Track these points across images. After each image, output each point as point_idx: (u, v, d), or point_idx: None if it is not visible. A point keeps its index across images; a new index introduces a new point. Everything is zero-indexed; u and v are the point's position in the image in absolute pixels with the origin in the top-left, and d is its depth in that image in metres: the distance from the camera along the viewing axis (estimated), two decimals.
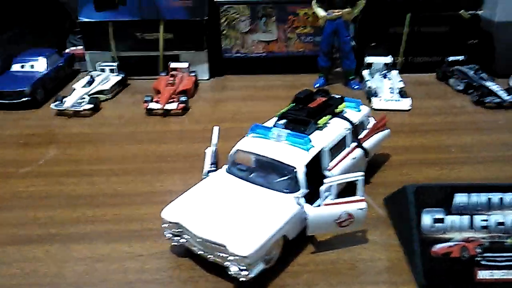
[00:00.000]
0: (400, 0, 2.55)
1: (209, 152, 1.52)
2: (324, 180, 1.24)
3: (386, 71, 2.46)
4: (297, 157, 1.31)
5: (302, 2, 2.57)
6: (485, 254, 1.17)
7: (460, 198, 1.22)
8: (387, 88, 2.33)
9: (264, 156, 1.35)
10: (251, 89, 2.58)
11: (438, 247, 1.18)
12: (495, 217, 1.20)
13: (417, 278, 1.17)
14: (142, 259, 1.28)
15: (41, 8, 3.20)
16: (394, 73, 2.47)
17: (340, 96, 1.59)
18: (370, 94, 2.31)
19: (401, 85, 2.36)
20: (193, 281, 1.21)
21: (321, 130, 1.43)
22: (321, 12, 2.38)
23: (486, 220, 1.20)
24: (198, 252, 1.21)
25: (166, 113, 2.22)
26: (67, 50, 2.90)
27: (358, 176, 1.26)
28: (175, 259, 1.28)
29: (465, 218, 1.20)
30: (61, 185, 1.65)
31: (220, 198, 1.28)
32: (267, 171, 1.35)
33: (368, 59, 2.54)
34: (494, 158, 1.78)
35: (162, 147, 1.92)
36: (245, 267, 1.11)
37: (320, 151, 1.36)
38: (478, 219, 1.20)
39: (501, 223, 1.20)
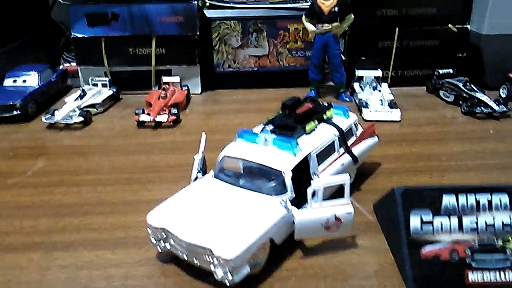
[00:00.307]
0: (389, 15, 2.59)
1: (197, 158, 1.51)
2: (311, 182, 1.23)
3: (376, 84, 2.48)
4: (284, 161, 1.30)
5: (292, 18, 2.61)
6: (475, 256, 1.15)
7: (448, 200, 1.20)
8: (377, 99, 2.34)
9: (251, 161, 1.34)
10: (242, 102, 2.59)
11: (427, 249, 1.16)
12: (484, 219, 1.19)
13: (407, 281, 1.15)
14: (127, 266, 1.25)
15: (37, 26, 3.26)
16: (384, 85, 2.50)
17: (328, 103, 1.60)
18: (361, 105, 2.32)
19: (391, 97, 2.37)
20: (178, 286, 1.18)
21: (309, 135, 1.43)
22: (310, 27, 2.42)
23: (475, 222, 1.19)
24: (184, 258, 1.19)
25: (157, 125, 2.22)
26: (61, 67, 2.93)
27: (345, 179, 1.25)
28: (161, 266, 1.26)
29: (454, 220, 1.19)
30: (48, 195, 1.63)
31: (206, 202, 1.26)
32: (254, 176, 1.34)
33: (359, 73, 2.56)
34: (484, 166, 1.78)
35: (152, 158, 1.91)
36: (230, 271, 1.09)
37: (307, 156, 1.36)
38: (467, 221, 1.19)
39: (491, 225, 1.18)
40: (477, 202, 1.20)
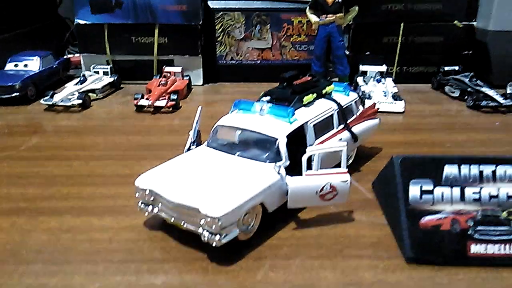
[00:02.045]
0: (394, 9, 2.57)
1: (191, 131, 1.47)
2: (307, 149, 1.19)
3: (379, 77, 2.44)
4: (279, 129, 1.25)
5: (296, 11, 2.60)
6: (478, 228, 1.09)
7: (450, 170, 1.15)
8: (380, 91, 2.30)
9: (245, 129, 1.29)
10: (244, 94, 2.55)
11: (427, 219, 1.10)
12: (487, 190, 1.13)
13: (404, 251, 1.08)
14: (112, 231, 1.20)
15: (43, 20, 3.28)
16: (388, 79, 2.45)
17: (328, 79, 1.56)
18: (364, 97, 2.27)
19: (395, 89, 2.33)
20: (164, 251, 1.12)
21: (307, 107, 1.39)
22: (314, 18, 2.40)
23: (478, 193, 1.13)
24: (172, 220, 1.13)
25: (156, 110, 2.19)
26: (64, 57, 2.93)
27: (341, 146, 1.20)
28: (148, 232, 1.21)
29: (456, 190, 1.13)
30: (39, 167, 1.59)
31: (196, 168, 1.22)
32: (249, 144, 1.29)
33: (363, 67, 2.53)
34: (489, 153, 1.72)
35: (148, 138, 1.87)
36: (217, 232, 1.03)
37: (304, 126, 1.31)
38: (470, 192, 1.13)
39: (494, 196, 1.12)
40: (481, 173, 1.14)
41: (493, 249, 1.07)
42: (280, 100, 1.39)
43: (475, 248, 1.07)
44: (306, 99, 1.39)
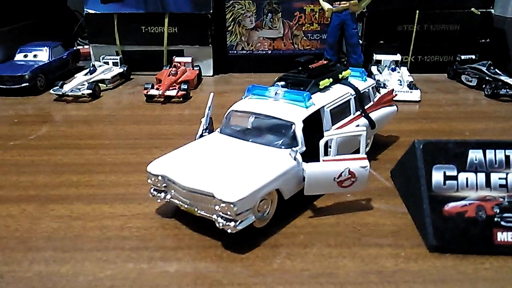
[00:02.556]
0: None
1: (204, 118, 1.44)
2: (324, 133, 1.14)
3: (394, 66, 2.39)
4: (294, 113, 1.21)
5: None
6: (505, 215, 1.04)
7: (474, 155, 1.09)
8: (395, 80, 2.24)
9: (260, 114, 1.25)
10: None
11: (450, 205, 1.05)
12: None
13: (427, 239, 1.04)
14: (124, 219, 1.17)
15: (52, 11, 3.26)
16: (404, 68, 2.39)
17: (344, 64, 1.51)
18: (379, 86, 2.22)
19: (410, 78, 2.27)
20: (177, 238, 1.09)
21: (323, 92, 1.34)
22: (326, 5, 2.34)
23: (505, 178, 1.07)
24: (185, 207, 1.10)
25: (166, 100, 2.16)
26: (74, 48, 2.91)
27: (361, 131, 1.15)
28: (160, 219, 1.17)
29: (481, 176, 1.08)
30: (48, 156, 1.56)
31: (210, 154, 1.18)
32: (264, 130, 1.25)
33: (377, 57, 2.47)
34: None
35: (158, 127, 1.84)
36: (232, 218, 1.00)
37: (320, 111, 1.26)
38: (496, 177, 1.07)
39: None
40: (507, 158, 1.09)
41: None
42: (296, 84, 1.35)
43: (502, 236, 1.02)
44: (323, 83, 1.34)
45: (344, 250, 1.04)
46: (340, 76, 1.43)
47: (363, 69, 1.52)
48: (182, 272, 0.97)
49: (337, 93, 1.35)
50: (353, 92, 1.39)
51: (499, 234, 1.03)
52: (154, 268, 0.99)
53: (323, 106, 1.27)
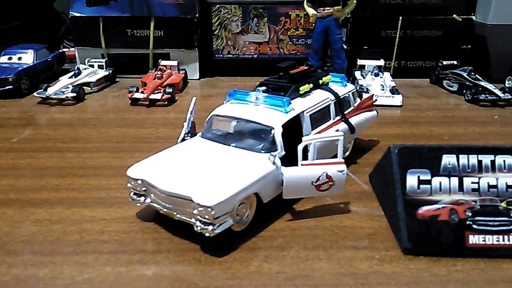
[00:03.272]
0: (392, 3, 2.55)
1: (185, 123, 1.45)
2: (302, 138, 1.16)
3: (377, 71, 2.42)
4: (274, 118, 1.23)
5: (293, 4, 2.57)
6: (476, 218, 1.07)
7: (448, 159, 1.12)
8: (378, 85, 2.28)
9: (240, 119, 1.27)
10: (241, 88, 2.52)
11: (424, 209, 1.08)
12: (486, 180, 1.10)
13: (401, 242, 1.06)
14: (103, 223, 1.18)
15: (39, 14, 3.24)
16: (386, 74, 2.43)
17: (325, 70, 1.53)
18: (362, 91, 2.25)
19: (393, 83, 2.31)
20: (156, 242, 1.10)
21: (303, 97, 1.36)
22: (311, 11, 2.37)
23: (477, 183, 1.10)
24: (164, 210, 1.11)
25: (151, 103, 2.16)
26: (60, 50, 2.90)
27: (338, 136, 1.18)
28: (140, 223, 1.18)
29: (454, 180, 1.10)
30: (30, 159, 1.56)
31: (190, 158, 1.19)
32: (244, 134, 1.27)
33: (361, 62, 2.50)
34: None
35: (142, 131, 1.85)
36: (210, 221, 1.01)
37: (300, 116, 1.29)
38: (468, 181, 1.10)
39: (493, 186, 1.10)
40: (480, 163, 1.12)
41: (492, 239, 1.05)
42: (277, 89, 1.37)
43: (474, 239, 1.05)
44: (303, 89, 1.36)
45: (320, 253, 1.06)
46: (320, 81, 1.45)
47: (344, 74, 1.54)
48: (160, 276, 0.98)
49: (317, 98, 1.37)
50: (333, 97, 1.42)
51: (471, 237, 1.05)
52: (132, 272, 0.99)
53: (303, 111, 1.29)
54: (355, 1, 2.37)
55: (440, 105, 2.20)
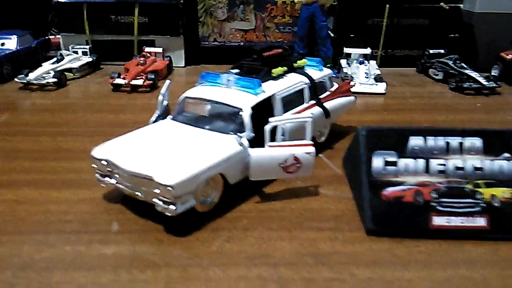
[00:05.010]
0: None
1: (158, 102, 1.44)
2: (270, 119, 1.15)
3: (363, 59, 2.40)
4: (244, 100, 1.22)
5: None
6: (442, 200, 1.06)
7: (415, 141, 1.11)
8: (362, 73, 2.26)
9: (211, 100, 1.26)
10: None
11: (389, 190, 1.07)
12: (453, 162, 1.09)
13: (365, 223, 1.05)
14: (69, 203, 1.17)
15: (26, 1, 3.22)
16: (372, 62, 2.41)
17: (301, 53, 1.52)
18: (346, 79, 2.23)
19: (378, 72, 2.29)
20: (120, 223, 1.09)
21: (276, 80, 1.35)
22: None
23: (444, 165, 1.09)
24: (128, 191, 1.10)
25: (134, 89, 2.15)
26: (45, 37, 2.88)
27: (306, 117, 1.17)
28: (106, 204, 1.17)
29: (420, 162, 1.09)
30: (4, 142, 1.55)
31: (157, 139, 1.18)
32: (214, 116, 1.25)
33: (347, 50, 2.49)
34: None
35: (120, 116, 1.83)
36: (172, 201, 1.00)
37: (271, 99, 1.27)
38: (435, 163, 1.09)
39: (460, 168, 1.09)
40: (447, 144, 1.11)
41: (456, 221, 1.04)
42: (249, 72, 1.35)
43: (438, 220, 1.04)
44: (275, 71, 1.35)
45: (284, 234, 1.05)
46: (295, 65, 1.44)
47: (321, 60, 1.53)
48: (119, 255, 0.97)
49: (290, 82, 1.36)
50: (307, 81, 1.41)
51: (435, 218, 1.05)
52: (92, 251, 0.99)
53: (274, 94, 1.28)
54: None
55: (424, 93, 2.19)
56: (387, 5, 2.52)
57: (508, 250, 1.00)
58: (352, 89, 2.12)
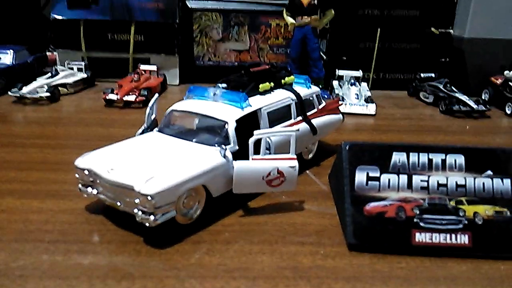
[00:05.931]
0: (371, 14, 2.58)
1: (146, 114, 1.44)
2: (254, 132, 1.15)
3: (354, 80, 2.43)
4: (229, 113, 1.23)
5: (274, 13, 2.60)
6: (424, 216, 1.05)
7: (398, 157, 1.11)
8: (353, 94, 2.28)
9: (197, 113, 1.27)
10: None
11: (372, 205, 1.07)
12: (436, 178, 1.09)
13: (347, 238, 1.04)
14: (50, 214, 1.16)
15: (26, 19, 3.27)
16: (364, 84, 2.44)
17: (289, 71, 1.54)
18: None
19: (368, 93, 2.32)
20: (100, 233, 1.08)
21: (263, 95, 1.36)
22: (290, 19, 2.39)
23: (426, 181, 1.09)
24: (109, 201, 1.09)
25: (126, 105, 2.16)
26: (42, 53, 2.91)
27: (291, 131, 1.17)
28: (87, 215, 1.16)
29: (403, 178, 1.09)
30: None
31: (141, 150, 1.18)
32: (200, 129, 1.26)
33: (339, 72, 2.52)
34: None
35: (110, 130, 1.84)
36: (151, 211, 0.99)
37: (257, 112, 1.28)
38: (417, 179, 1.09)
39: (443, 185, 1.09)
40: (430, 161, 1.11)
41: (439, 238, 1.03)
42: (237, 86, 1.37)
43: (420, 237, 1.03)
44: (262, 87, 1.36)
45: (265, 247, 1.04)
46: (283, 81, 1.45)
47: (309, 77, 1.54)
48: (96, 265, 0.96)
49: (277, 97, 1.37)
50: (294, 98, 1.42)
51: (417, 234, 1.04)
52: (68, 261, 0.97)
53: (260, 108, 1.29)
54: (333, 12, 2.40)
55: (414, 115, 2.21)
56: (379, 29, 2.58)
57: (489, 268, 0.99)
58: (343, 110, 2.16)
